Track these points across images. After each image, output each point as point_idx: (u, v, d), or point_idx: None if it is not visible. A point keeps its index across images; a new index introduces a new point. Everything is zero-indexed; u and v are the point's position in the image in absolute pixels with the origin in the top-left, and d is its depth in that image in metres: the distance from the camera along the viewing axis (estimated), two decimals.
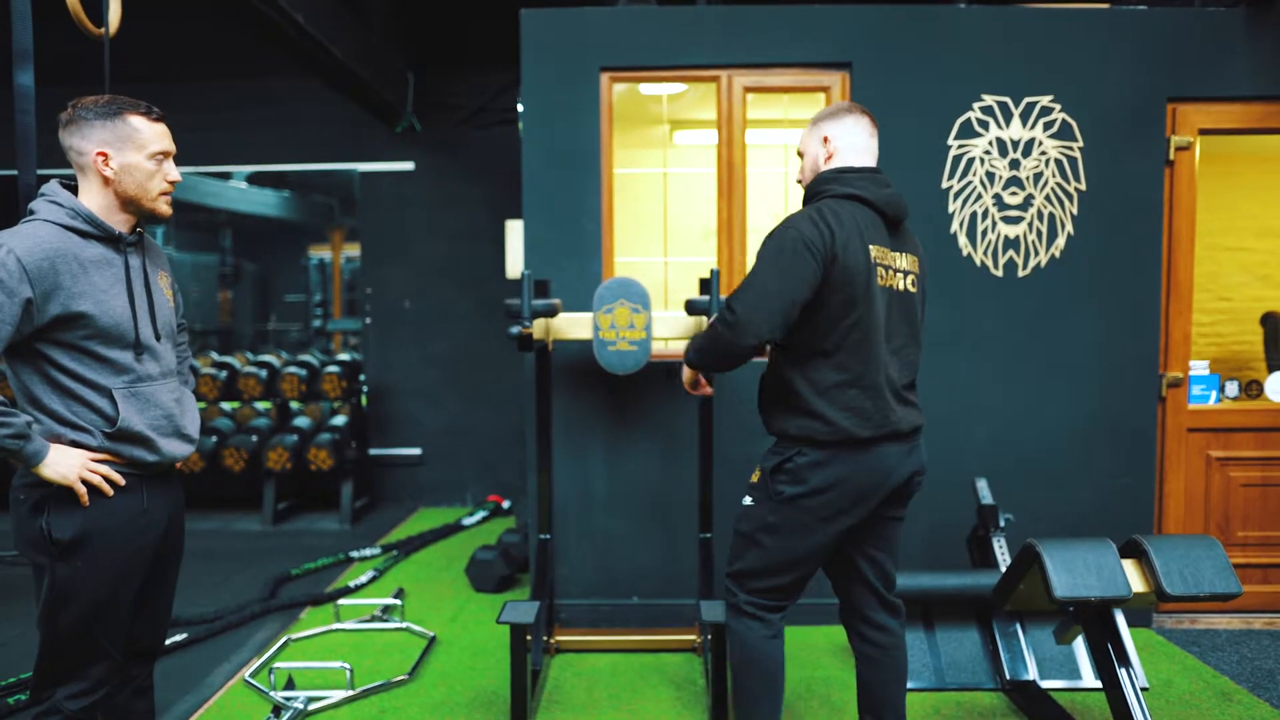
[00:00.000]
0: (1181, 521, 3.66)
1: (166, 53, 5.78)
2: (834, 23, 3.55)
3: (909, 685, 3.07)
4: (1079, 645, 3.16)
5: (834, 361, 2.09)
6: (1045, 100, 3.54)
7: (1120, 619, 2.50)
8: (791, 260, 2.02)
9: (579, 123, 3.58)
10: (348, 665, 3.09)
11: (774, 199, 4.00)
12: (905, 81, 3.55)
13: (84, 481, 1.81)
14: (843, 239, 2.04)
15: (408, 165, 5.95)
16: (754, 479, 2.26)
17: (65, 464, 1.79)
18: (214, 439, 5.54)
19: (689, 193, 4.56)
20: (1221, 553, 2.35)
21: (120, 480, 1.86)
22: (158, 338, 1.97)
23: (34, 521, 1.82)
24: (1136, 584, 2.36)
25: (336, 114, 5.83)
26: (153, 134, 1.91)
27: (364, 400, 5.97)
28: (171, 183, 1.95)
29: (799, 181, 2.31)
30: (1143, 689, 3.02)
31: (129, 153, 1.86)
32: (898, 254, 2.16)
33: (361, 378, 5.96)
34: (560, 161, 3.59)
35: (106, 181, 1.86)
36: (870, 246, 2.08)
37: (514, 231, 5.55)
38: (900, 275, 2.16)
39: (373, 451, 6.02)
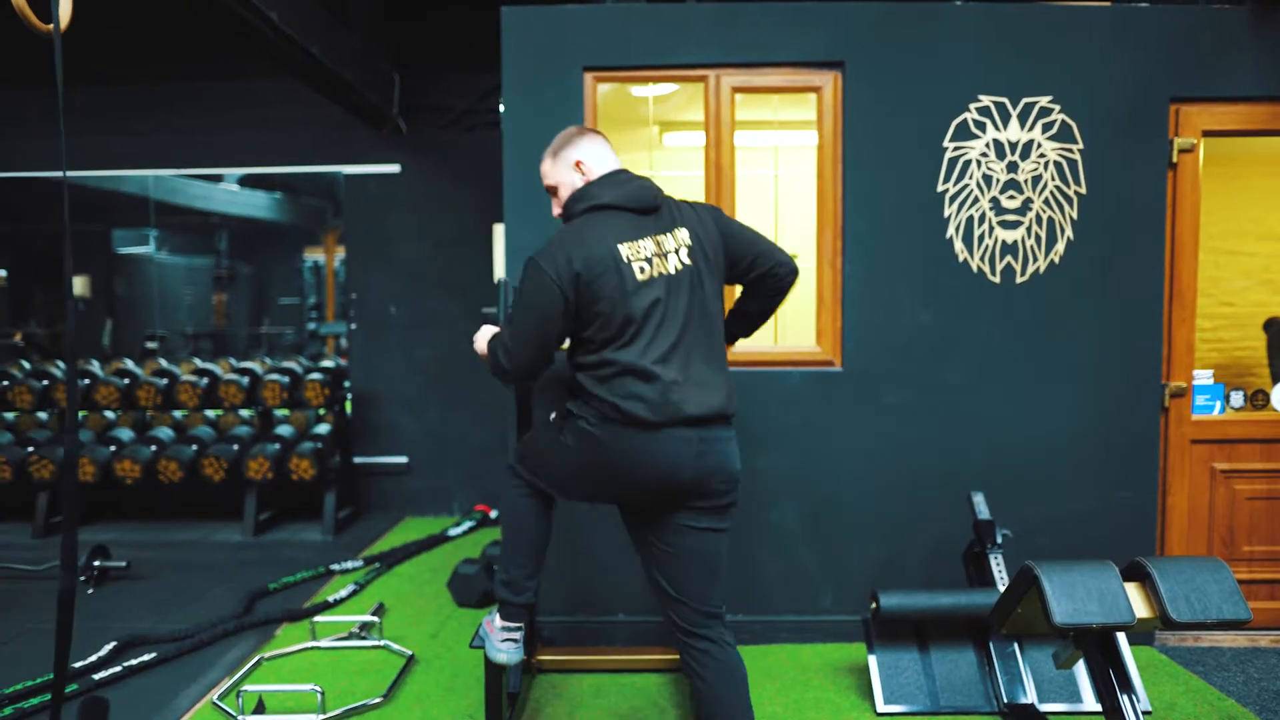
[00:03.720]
0: (1185, 536, 3.55)
1: (147, 55, 5.68)
2: (826, 21, 3.44)
3: (902, 709, 2.96)
4: (1080, 668, 3.05)
5: (607, 356, 2.20)
6: (1044, 101, 3.43)
7: (1123, 644, 2.39)
8: (540, 298, 2.17)
9: (562, 124, 3.44)
10: (319, 688, 2.96)
11: (764, 202, 3.89)
12: (899, 81, 3.44)
13: None
14: (583, 257, 2.15)
15: (393, 168, 5.83)
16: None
17: None
18: (194, 448, 5.41)
19: (677, 195, 4.44)
20: (1229, 576, 2.23)
21: None
22: None
23: None
24: (1140, 609, 2.24)
25: (321, 116, 5.71)
26: None
27: (348, 407, 5.85)
28: None
29: (560, 215, 2.42)
30: (1145, 713, 2.91)
31: None
32: (657, 237, 2.24)
33: (346, 384, 5.84)
34: None
35: None
36: (619, 247, 2.18)
37: (501, 235, 5.44)
38: (666, 258, 2.23)
39: (357, 460, 5.90)
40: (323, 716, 2.92)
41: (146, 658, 3.38)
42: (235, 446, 5.42)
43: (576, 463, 2.31)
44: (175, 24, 5.41)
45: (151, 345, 6.22)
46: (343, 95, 5.00)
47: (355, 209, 5.89)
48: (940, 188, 3.45)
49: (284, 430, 5.64)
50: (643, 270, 2.19)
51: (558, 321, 2.19)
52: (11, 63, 4.70)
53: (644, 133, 4.52)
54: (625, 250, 2.19)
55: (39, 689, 3.11)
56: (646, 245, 2.22)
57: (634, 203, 2.26)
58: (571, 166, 2.36)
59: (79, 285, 6.33)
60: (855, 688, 3.17)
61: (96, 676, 3.22)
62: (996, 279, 3.47)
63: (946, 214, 3.46)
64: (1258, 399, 3.65)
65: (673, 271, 2.23)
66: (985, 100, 3.43)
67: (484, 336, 2.44)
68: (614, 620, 3.56)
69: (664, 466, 2.18)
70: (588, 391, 2.24)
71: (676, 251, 2.25)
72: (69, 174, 5.71)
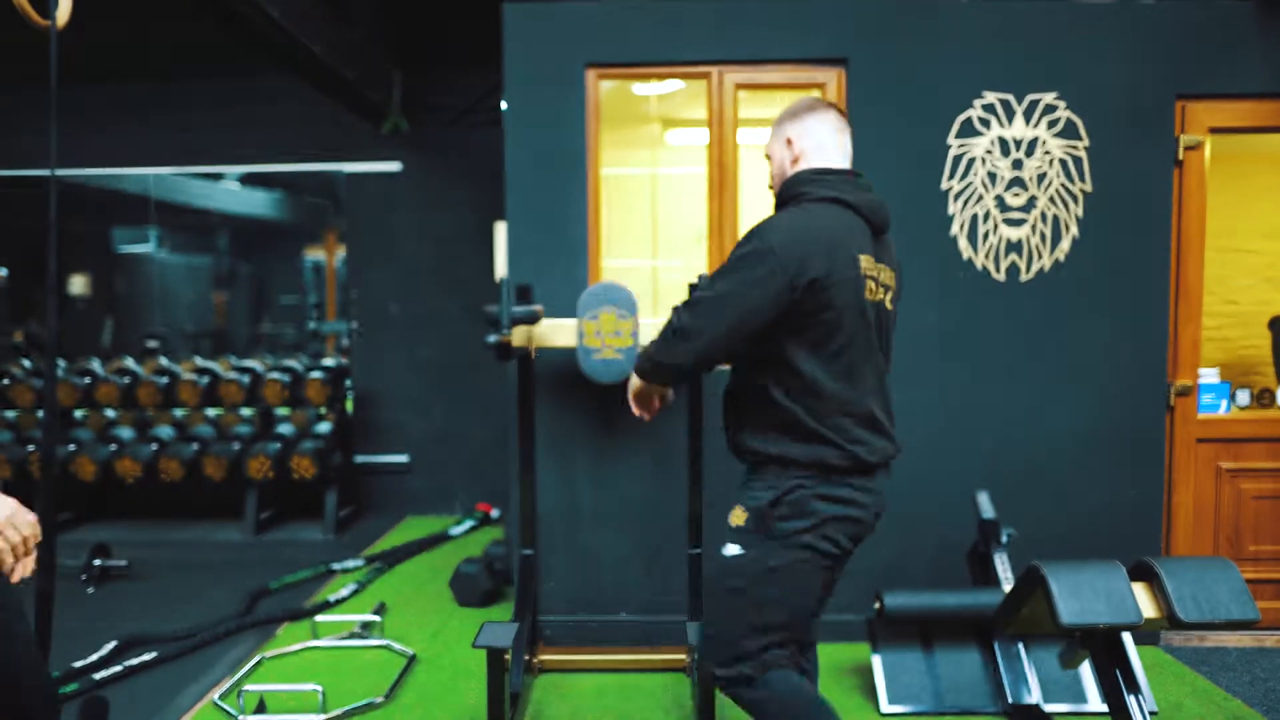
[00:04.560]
0: (1190, 535, 3.53)
1: (148, 53, 5.67)
2: (829, 17, 3.42)
3: (906, 709, 2.95)
4: (1085, 668, 3.03)
5: (822, 385, 1.88)
6: (1049, 98, 3.41)
7: (1129, 644, 2.37)
8: (761, 273, 1.82)
9: (564, 121, 3.45)
10: (320, 687, 2.95)
11: (766, 200, 3.86)
12: (903, 78, 3.42)
13: None
14: (824, 250, 1.84)
15: (394, 166, 5.82)
16: (736, 520, 1.94)
17: None
18: (194, 446, 5.40)
19: (680, 193, 4.43)
20: (1237, 576, 2.21)
21: None
22: None
23: None
24: (1147, 609, 2.22)
25: (322, 114, 5.70)
26: None
27: (349, 406, 5.84)
28: None
29: (770, 188, 2.16)
30: (1151, 713, 2.89)
31: None
32: (881, 266, 1.97)
33: (347, 383, 5.83)
34: (544, 162, 3.45)
35: None
36: (860, 256, 1.89)
37: (503, 234, 5.41)
38: (883, 290, 1.97)
39: (359, 459, 5.89)
40: (324, 716, 2.90)
41: (147, 657, 3.37)
42: (236, 445, 5.41)
43: (807, 551, 1.89)
44: (176, 22, 5.39)
45: (152, 344, 6.20)
46: (344, 93, 4.99)
47: (356, 207, 5.88)
48: (944, 185, 3.43)
49: (285, 429, 5.63)
50: (870, 290, 1.91)
51: (767, 311, 1.83)
52: (14, 60, 4.68)
53: (647, 130, 4.51)
54: (864, 263, 1.90)
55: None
56: (877, 268, 1.95)
57: (873, 216, 1.96)
58: (783, 142, 2.06)
59: (79, 284, 6.31)
60: (859, 688, 3.15)
61: (97, 676, 3.20)
62: (1001, 277, 3.45)
63: (951, 211, 3.44)
64: (1264, 397, 3.63)
65: (888, 308, 2.00)
66: (990, 97, 3.41)
67: (638, 379, 2.13)
68: (616, 620, 3.54)
69: (875, 510, 1.97)
70: (804, 430, 1.89)
71: (888, 290, 1.99)
72: (67, 172, 5.72)
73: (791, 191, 1.99)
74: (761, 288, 1.82)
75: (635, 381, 2.15)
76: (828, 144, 2.01)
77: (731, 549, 1.94)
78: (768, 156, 2.13)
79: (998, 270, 3.45)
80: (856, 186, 1.97)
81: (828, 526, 1.88)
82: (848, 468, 1.89)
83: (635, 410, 2.21)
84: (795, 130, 2.04)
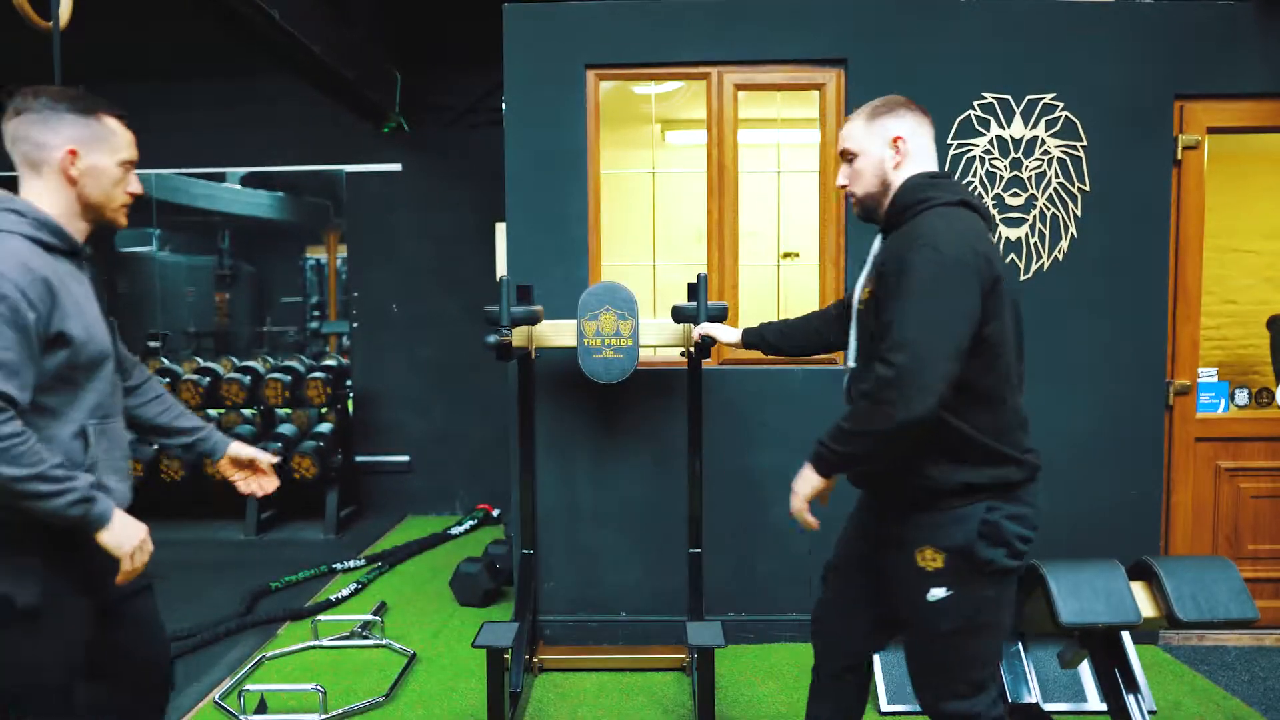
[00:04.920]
0: (1189, 535, 3.53)
1: (149, 54, 5.67)
2: (828, 18, 3.43)
3: (905, 708, 2.95)
4: (1084, 667, 3.03)
5: (1002, 396, 1.79)
6: (1048, 98, 3.41)
7: (1128, 643, 2.37)
8: (960, 286, 1.68)
9: (564, 122, 3.46)
10: (321, 687, 2.96)
11: (766, 200, 3.87)
12: (902, 79, 3.42)
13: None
14: (993, 254, 1.76)
15: (395, 166, 5.82)
16: (933, 563, 1.80)
17: (125, 535, 1.63)
18: None
19: (681, 194, 4.43)
20: (1236, 575, 2.22)
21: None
22: (119, 366, 1.79)
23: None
24: (1146, 609, 2.23)
25: (323, 114, 5.70)
26: (126, 139, 1.74)
27: (350, 406, 5.84)
28: (131, 194, 1.77)
29: (845, 188, 2.00)
30: (1150, 712, 2.89)
31: (100, 154, 1.68)
32: None
33: (348, 383, 5.83)
34: (545, 162, 3.46)
35: (71, 182, 1.66)
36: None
37: (503, 234, 5.41)
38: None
39: (359, 459, 5.89)
40: (324, 716, 2.91)
41: None
42: None
43: (1010, 575, 1.82)
44: (177, 22, 5.40)
45: (153, 344, 6.21)
46: (344, 94, 5.00)
47: (357, 208, 5.88)
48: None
49: (286, 429, 5.63)
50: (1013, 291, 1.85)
51: (972, 322, 1.69)
52: (17, 62, 4.69)
53: (646, 130, 4.51)
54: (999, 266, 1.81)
55: None
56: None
57: (988, 218, 1.89)
58: (888, 141, 1.90)
59: None
60: None
61: None
62: None
63: None
64: (1262, 397, 3.64)
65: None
66: (988, 97, 3.42)
67: (802, 479, 1.92)
68: (616, 619, 3.55)
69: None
70: (982, 451, 1.78)
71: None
72: None
73: (915, 197, 1.85)
74: (968, 296, 1.70)
75: (815, 480, 1.88)
76: (929, 148, 1.94)
77: (937, 593, 1.80)
78: (852, 153, 1.96)
79: None
80: (967, 190, 1.91)
81: (1020, 545, 1.80)
82: (1025, 480, 1.81)
83: (808, 521, 1.93)
84: (904, 128, 1.91)
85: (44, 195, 1.66)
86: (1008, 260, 3.44)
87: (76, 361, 1.61)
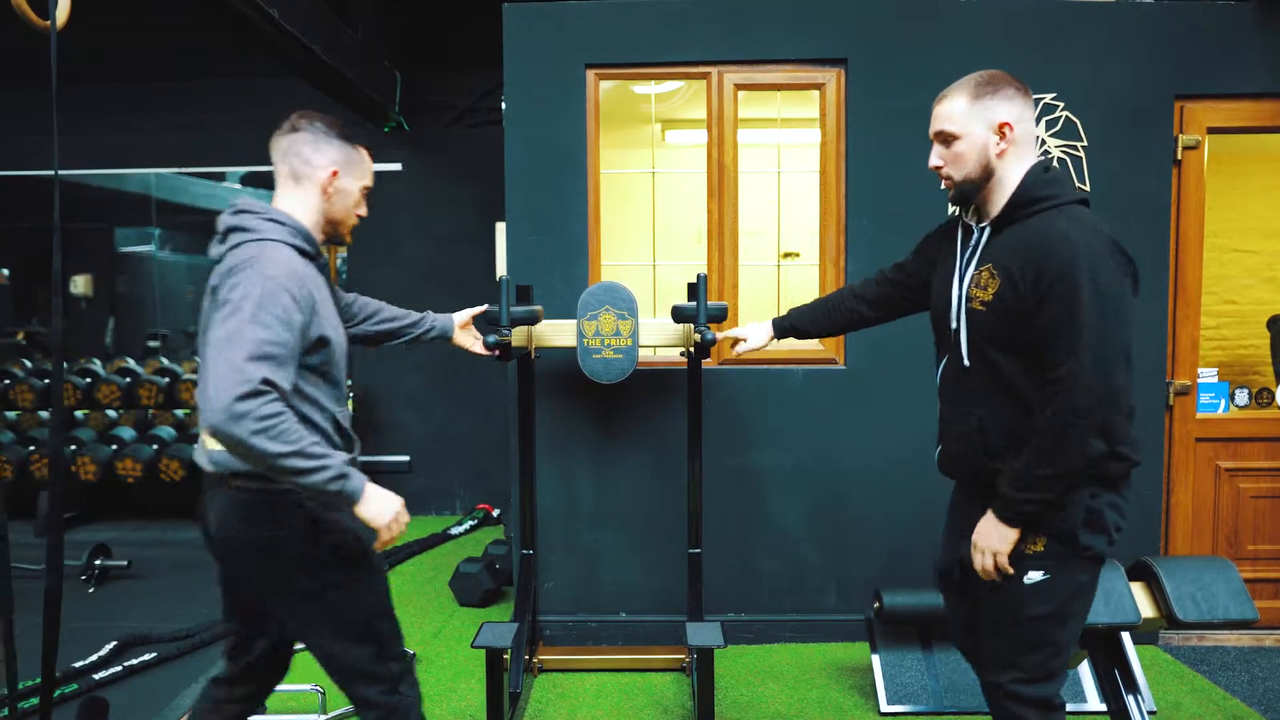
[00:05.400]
0: (1189, 535, 3.53)
1: (149, 53, 5.66)
2: (828, 18, 3.43)
3: (905, 709, 2.95)
4: (1084, 667, 3.03)
5: None
6: (1048, 98, 3.41)
7: (1128, 644, 2.37)
8: (1126, 303, 1.65)
9: (564, 121, 3.45)
10: (320, 688, 2.95)
11: (766, 200, 3.87)
12: (902, 79, 3.42)
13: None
14: (1128, 253, 1.71)
15: (395, 166, 5.81)
16: (1034, 547, 1.78)
17: (382, 507, 1.76)
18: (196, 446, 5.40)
19: (681, 194, 4.43)
20: (1236, 576, 2.23)
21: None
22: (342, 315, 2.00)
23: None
24: (1146, 609, 2.23)
25: (323, 113, 5.69)
26: (369, 169, 1.98)
27: (350, 406, 5.83)
28: (360, 216, 1.99)
29: (939, 169, 1.92)
30: (1150, 713, 2.89)
31: (351, 179, 1.92)
32: None
33: (348, 383, 5.82)
34: (544, 162, 3.46)
35: (326, 198, 1.89)
36: None
37: (503, 234, 5.41)
38: None
39: (359, 459, 5.88)
40: (324, 717, 2.91)
41: (147, 657, 3.38)
42: None
43: (1102, 562, 1.84)
44: (177, 22, 5.39)
45: (153, 344, 6.21)
46: (344, 93, 4.99)
47: None
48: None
49: None
50: None
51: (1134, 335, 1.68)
52: (16, 62, 4.69)
53: (646, 130, 4.51)
54: None
55: (38, 689, 3.09)
56: None
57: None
58: (993, 126, 1.80)
59: (81, 284, 6.32)
60: (859, 687, 3.16)
61: (97, 676, 3.21)
62: None
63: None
64: (1262, 397, 3.64)
65: None
66: None
67: (1000, 536, 1.80)
68: (615, 620, 3.55)
69: None
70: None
71: None
72: (68, 172, 5.73)
73: (1037, 194, 1.77)
74: (1132, 307, 1.68)
75: (1012, 535, 1.78)
76: (1034, 131, 1.84)
77: (1034, 575, 1.78)
78: (951, 135, 1.87)
79: None
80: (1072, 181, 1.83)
81: (1115, 534, 1.81)
82: (1123, 475, 1.80)
83: (1010, 571, 1.81)
84: (1012, 113, 1.80)
85: (298, 205, 1.87)
86: None
87: (331, 359, 1.83)
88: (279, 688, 3.06)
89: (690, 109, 4.69)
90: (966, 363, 1.87)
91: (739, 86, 3.47)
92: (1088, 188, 3.41)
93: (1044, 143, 3.41)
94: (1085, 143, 3.41)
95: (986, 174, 1.83)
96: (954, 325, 1.90)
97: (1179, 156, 3.44)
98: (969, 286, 1.85)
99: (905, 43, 3.42)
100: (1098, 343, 1.62)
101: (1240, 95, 3.45)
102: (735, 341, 2.57)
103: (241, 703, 2.11)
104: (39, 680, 3.16)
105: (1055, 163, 3.41)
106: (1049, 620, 1.79)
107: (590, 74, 3.46)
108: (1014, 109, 1.80)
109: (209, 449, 1.80)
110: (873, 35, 3.42)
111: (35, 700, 3.03)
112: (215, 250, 1.79)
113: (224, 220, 1.80)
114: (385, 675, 1.91)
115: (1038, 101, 3.40)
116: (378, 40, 5.31)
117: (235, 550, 1.86)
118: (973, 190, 1.86)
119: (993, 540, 1.78)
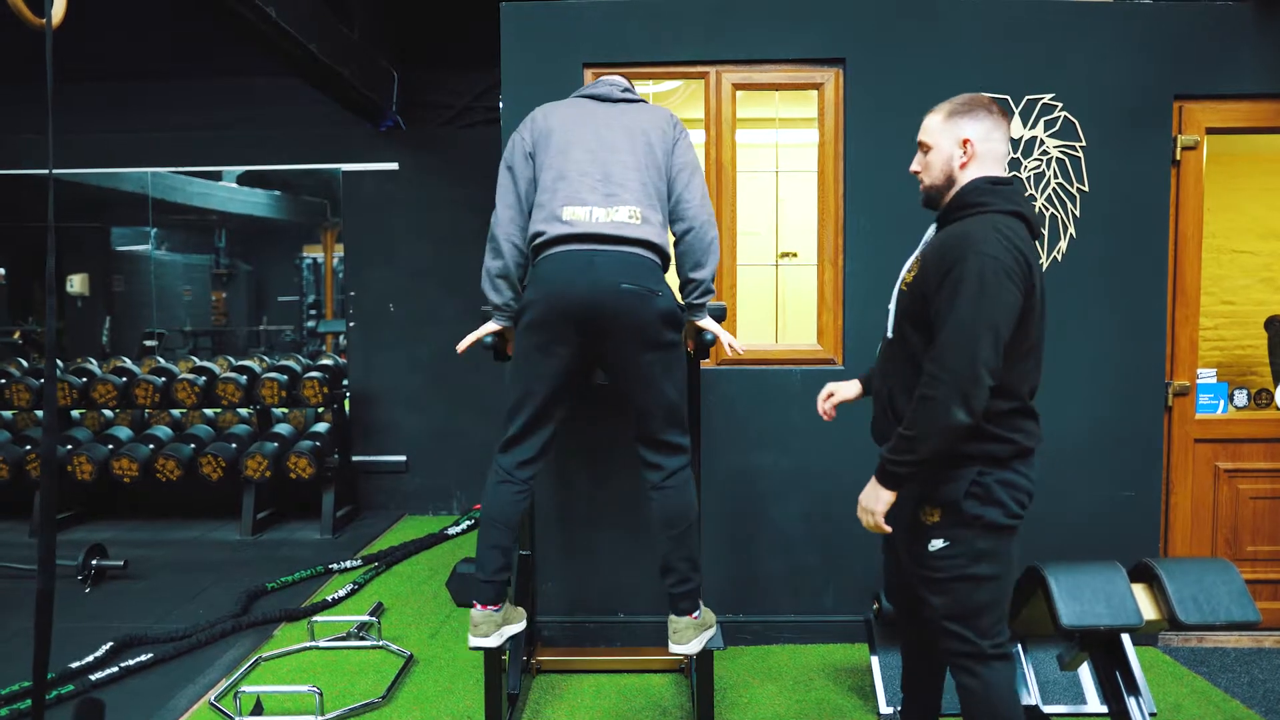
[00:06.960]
0: (1189, 536, 3.53)
1: (146, 52, 5.65)
2: (827, 17, 3.42)
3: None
4: (1084, 669, 3.02)
5: (1010, 392, 1.94)
6: (1046, 98, 3.40)
7: (1129, 646, 2.36)
8: (1005, 292, 1.83)
9: None
10: (317, 689, 2.94)
11: (764, 199, 3.86)
12: (901, 79, 3.41)
13: None
14: (1034, 262, 1.91)
15: (392, 165, 5.80)
16: (930, 518, 2.00)
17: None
18: (192, 446, 5.39)
19: None
20: (1237, 577, 2.22)
21: None
22: None
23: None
24: (1148, 611, 2.22)
25: (320, 113, 5.68)
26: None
27: (347, 406, 5.82)
28: None
29: (917, 172, 2.14)
30: (1151, 715, 2.88)
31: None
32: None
33: (344, 383, 5.81)
34: None
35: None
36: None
37: None
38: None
39: (356, 458, 5.88)
40: (321, 717, 2.90)
41: (143, 658, 3.36)
42: (234, 445, 5.40)
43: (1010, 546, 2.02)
44: (174, 21, 5.38)
45: (150, 343, 6.20)
46: (341, 92, 4.98)
47: (354, 207, 5.86)
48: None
49: (282, 429, 5.62)
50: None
51: (1010, 321, 1.86)
52: (12, 60, 4.67)
53: None
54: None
55: (29, 692, 3.08)
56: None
57: (1036, 227, 2.02)
58: (958, 140, 2.03)
59: (78, 283, 6.30)
60: (857, 689, 3.15)
61: (93, 677, 3.19)
62: None
63: None
64: (1261, 398, 3.63)
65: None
66: None
67: (874, 496, 2.00)
68: (614, 620, 3.54)
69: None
70: (984, 431, 1.94)
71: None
72: (65, 171, 5.71)
73: (970, 200, 2.00)
74: (1010, 296, 1.85)
75: (887, 495, 1.98)
76: (1001, 153, 2.05)
77: (936, 543, 2.00)
78: (926, 145, 2.10)
79: None
80: (1024, 197, 2.04)
81: (1014, 506, 1.97)
82: (1011, 457, 1.97)
83: (885, 529, 2.02)
84: (976, 131, 2.02)
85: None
86: None
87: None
88: (279, 688, 3.07)
89: (688, 108, 4.67)
90: (890, 335, 2.13)
91: (737, 86, 3.46)
92: (1086, 188, 3.41)
93: (1043, 143, 3.41)
94: (1084, 143, 3.41)
95: (949, 182, 2.07)
96: (890, 305, 2.17)
97: (1178, 157, 3.44)
98: (904, 272, 2.12)
99: (904, 43, 3.41)
100: (967, 314, 1.83)
101: (1239, 96, 3.44)
102: (828, 395, 2.60)
103: None
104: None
105: (1047, 166, 3.41)
106: (963, 582, 1.98)
107: (588, 73, 3.45)
108: (980, 128, 2.02)
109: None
110: (871, 35, 3.41)
111: (30, 701, 3.02)
112: None
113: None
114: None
115: (1036, 101, 3.40)
116: (375, 39, 5.30)
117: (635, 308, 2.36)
118: (937, 195, 2.11)
119: (869, 499, 2.01)
